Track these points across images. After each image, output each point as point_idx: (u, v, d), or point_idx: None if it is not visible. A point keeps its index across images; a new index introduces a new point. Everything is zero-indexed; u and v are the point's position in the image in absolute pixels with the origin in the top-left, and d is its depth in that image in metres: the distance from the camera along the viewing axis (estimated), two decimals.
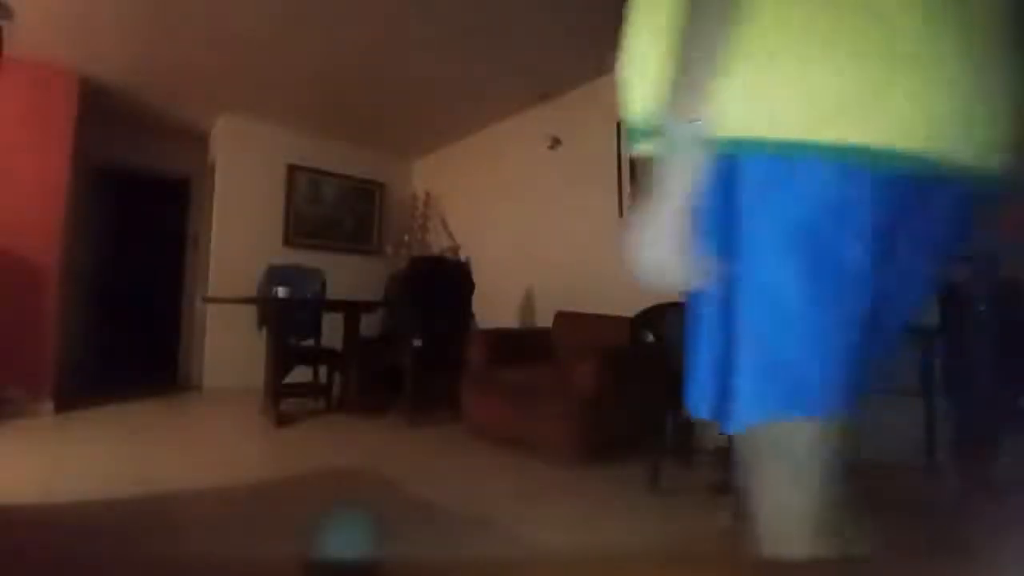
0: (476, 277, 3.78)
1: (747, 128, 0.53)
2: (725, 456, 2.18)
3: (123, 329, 5.57)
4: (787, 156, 0.52)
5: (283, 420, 3.18)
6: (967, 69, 0.53)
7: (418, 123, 4.67)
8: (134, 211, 5.69)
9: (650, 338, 2.22)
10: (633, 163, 3.43)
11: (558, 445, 2.46)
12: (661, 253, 0.53)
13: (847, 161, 0.51)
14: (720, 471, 2.24)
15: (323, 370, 3.79)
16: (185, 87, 3.96)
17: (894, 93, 0.51)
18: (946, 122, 0.52)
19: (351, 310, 3.72)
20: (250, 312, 3.96)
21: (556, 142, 3.96)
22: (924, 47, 0.53)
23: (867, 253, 0.52)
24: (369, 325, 4.22)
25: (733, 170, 0.55)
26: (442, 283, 3.57)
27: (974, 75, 0.53)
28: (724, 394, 0.57)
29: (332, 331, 3.78)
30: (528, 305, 4.15)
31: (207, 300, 4.14)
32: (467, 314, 3.69)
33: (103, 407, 3.52)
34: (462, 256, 4.73)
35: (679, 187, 0.52)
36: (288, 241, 4.80)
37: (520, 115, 4.33)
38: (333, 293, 4.15)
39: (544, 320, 3.71)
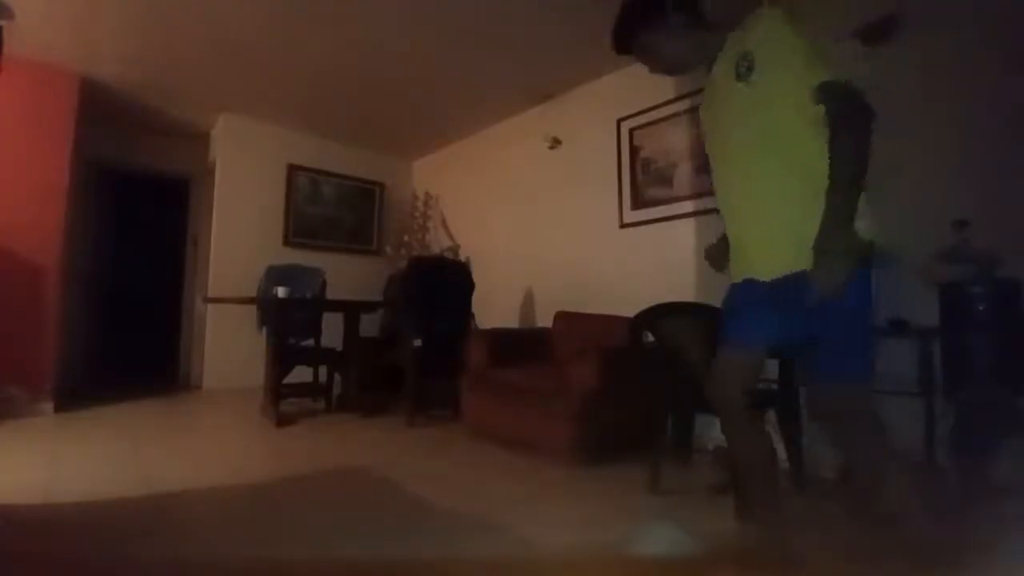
0: (476, 277, 3.78)
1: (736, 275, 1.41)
2: (724, 456, 2.18)
3: (123, 329, 5.58)
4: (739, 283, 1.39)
5: (283, 420, 3.19)
6: (760, 225, 1.31)
7: (418, 123, 4.67)
8: (134, 211, 5.71)
9: (650, 338, 2.22)
10: (634, 164, 3.44)
11: (558, 445, 2.46)
12: None
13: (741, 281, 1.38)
14: (720, 471, 2.24)
15: (323, 370, 3.79)
16: (185, 87, 3.97)
17: (746, 251, 1.34)
18: (755, 260, 1.31)
19: (351, 310, 3.72)
20: (250, 312, 3.96)
21: (556, 142, 3.96)
22: (752, 220, 1.32)
23: (745, 304, 1.35)
24: (369, 325, 4.22)
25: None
26: (442, 283, 3.57)
27: (763, 228, 1.29)
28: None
29: (332, 331, 3.78)
30: (528, 305, 4.15)
31: (207, 300, 4.14)
32: (467, 314, 3.69)
33: (103, 407, 3.52)
34: (462, 256, 4.73)
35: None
36: (288, 241, 4.81)
37: (520, 115, 4.33)
38: (333, 293, 4.15)
39: (544, 320, 3.71)
